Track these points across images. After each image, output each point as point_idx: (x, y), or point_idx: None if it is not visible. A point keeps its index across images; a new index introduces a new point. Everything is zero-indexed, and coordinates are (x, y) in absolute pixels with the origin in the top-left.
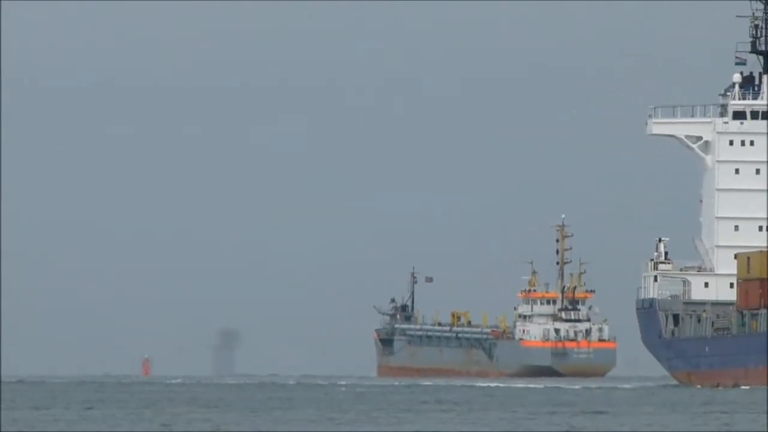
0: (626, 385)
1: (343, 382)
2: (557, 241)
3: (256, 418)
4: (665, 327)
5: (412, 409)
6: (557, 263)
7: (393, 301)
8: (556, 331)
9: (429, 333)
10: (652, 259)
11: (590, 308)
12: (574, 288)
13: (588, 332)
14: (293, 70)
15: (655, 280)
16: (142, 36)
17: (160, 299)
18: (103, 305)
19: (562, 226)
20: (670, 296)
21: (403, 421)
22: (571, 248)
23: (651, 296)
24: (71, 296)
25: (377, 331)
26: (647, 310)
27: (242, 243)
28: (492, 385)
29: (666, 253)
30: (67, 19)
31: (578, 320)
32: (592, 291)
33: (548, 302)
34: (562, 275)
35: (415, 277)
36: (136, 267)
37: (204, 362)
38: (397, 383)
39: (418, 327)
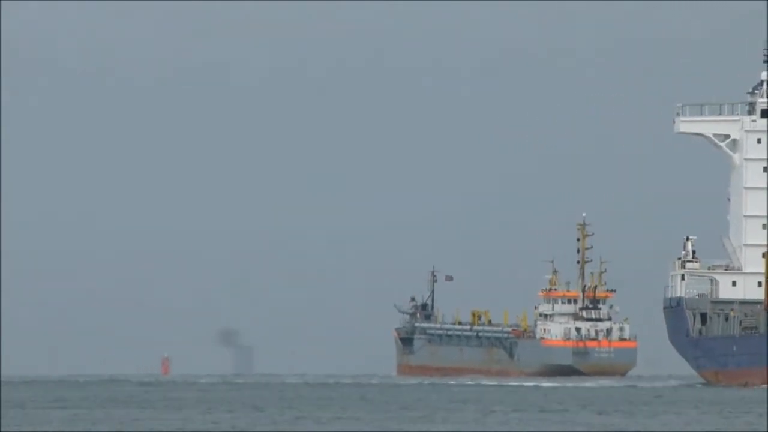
0: (646, 384)
1: (374, 381)
2: (578, 240)
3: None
4: (693, 326)
5: (444, 408)
6: (578, 262)
7: (413, 299)
8: (577, 330)
9: (449, 332)
10: (679, 258)
11: (611, 307)
12: (595, 287)
13: (609, 331)
14: (299, 70)
15: (683, 278)
16: (142, 36)
17: (179, 299)
18: (120, 305)
19: (583, 225)
20: (698, 295)
21: (434, 420)
22: (591, 247)
23: (678, 295)
24: (86, 296)
25: (397, 329)
26: (675, 308)
27: (262, 242)
28: (515, 384)
29: (693, 252)
30: (66, 20)
31: (599, 319)
32: (613, 290)
33: (569, 301)
34: (582, 274)
35: (435, 276)
36: (153, 267)
37: (223, 361)
38: (427, 382)
39: (438, 326)
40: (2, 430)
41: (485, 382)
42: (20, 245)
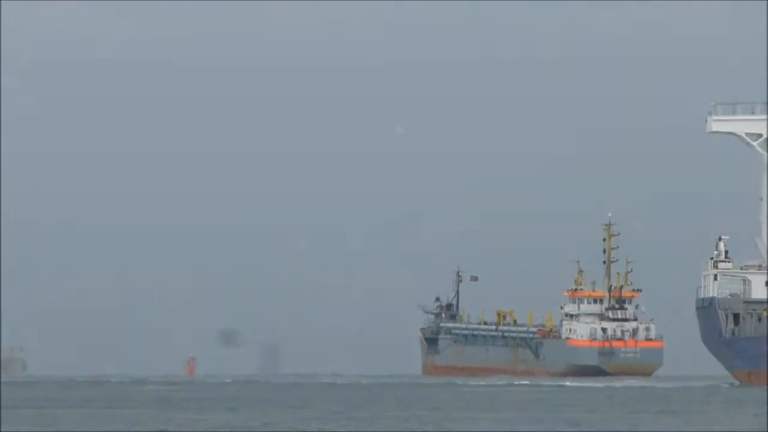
0: (676, 384)
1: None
2: (604, 240)
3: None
4: (725, 326)
5: (482, 408)
6: (604, 262)
7: (438, 300)
8: (603, 330)
9: (474, 332)
10: (712, 258)
11: (637, 307)
12: (621, 287)
13: (635, 331)
14: (300, 70)
15: (715, 278)
16: (142, 36)
17: (204, 299)
18: (145, 305)
19: (609, 225)
20: (730, 295)
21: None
22: (618, 247)
23: (711, 295)
24: (110, 296)
25: (422, 330)
26: (707, 309)
27: (284, 242)
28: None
29: (726, 252)
30: (67, 20)
31: (625, 319)
32: (639, 290)
33: (595, 301)
34: (608, 274)
35: (460, 276)
36: (177, 266)
37: (248, 361)
38: (474, 383)
39: (463, 326)
40: (28, 429)
41: (516, 382)
42: (31, 246)
